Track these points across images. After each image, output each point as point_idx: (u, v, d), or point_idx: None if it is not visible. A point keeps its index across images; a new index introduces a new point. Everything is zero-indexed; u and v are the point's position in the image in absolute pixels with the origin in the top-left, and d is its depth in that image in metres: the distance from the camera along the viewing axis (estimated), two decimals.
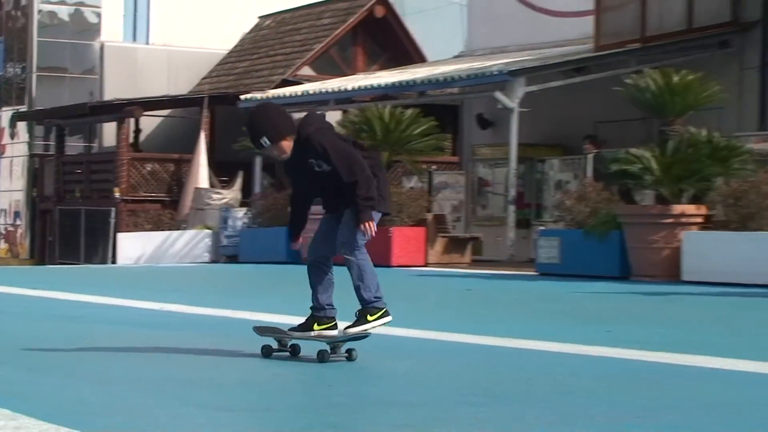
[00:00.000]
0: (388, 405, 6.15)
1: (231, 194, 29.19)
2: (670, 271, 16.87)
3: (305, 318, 8.06)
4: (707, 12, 25.24)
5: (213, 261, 27.17)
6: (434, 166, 28.16)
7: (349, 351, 7.90)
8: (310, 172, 7.97)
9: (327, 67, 34.00)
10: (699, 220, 17.34)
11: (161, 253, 28.01)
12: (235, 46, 37.78)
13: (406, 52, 34.19)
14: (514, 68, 23.65)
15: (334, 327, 7.97)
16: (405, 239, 22.83)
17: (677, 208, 17.47)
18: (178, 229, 29.47)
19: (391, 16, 34.31)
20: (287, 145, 7.91)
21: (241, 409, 5.97)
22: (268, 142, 7.86)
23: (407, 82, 26.59)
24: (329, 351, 7.85)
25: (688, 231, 17.08)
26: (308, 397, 6.65)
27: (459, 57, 31.17)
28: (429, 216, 23.86)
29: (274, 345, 8.08)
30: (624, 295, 15.44)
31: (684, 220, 17.28)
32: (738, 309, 13.79)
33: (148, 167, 33.42)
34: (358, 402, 6.33)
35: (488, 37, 29.85)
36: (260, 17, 37.71)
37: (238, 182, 29.85)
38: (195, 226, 28.64)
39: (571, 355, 8.21)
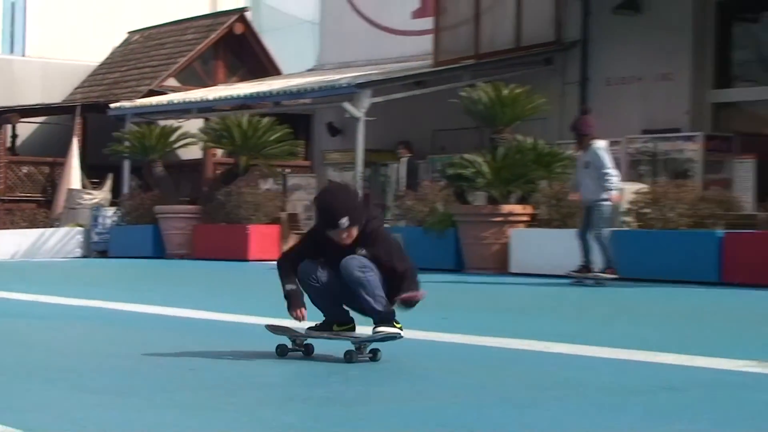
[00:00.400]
0: None
1: (101, 195, 28.92)
2: (500, 264, 17.16)
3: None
4: (533, 33, 25.68)
5: (84, 256, 26.92)
6: (288, 170, 28.18)
7: (373, 351, 7.18)
8: (345, 255, 7.24)
9: (190, 78, 33.88)
10: (525, 218, 17.67)
11: (36, 249, 27.57)
12: (106, 59, 37.37)
13: (263, 66, 34.20)
14: (360, 81, 23.76)
15: (353, 329, 7.41)
16: (261, 236, 22.94)
17: (506, 208, 17.75)
18: (51, 226, 29.19)
19: (249, 33, 34.30)
20: (355, 232, 7.21)
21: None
22: (347, 223, 7.11)
23: (264, 93, 26.66)
24: (356, 351, 7.12)
25: (516, 228, 17.35)
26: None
27: (311, 71, 31.37)
28: (283, 215, 24.07)
29: (289, 344, 7.37)
30: (458, 285, 15.62)
31: (512, 218, 17.58)
32: (559, 297, 14.03)
33: (25, 170, 32.86)
34: None
35: (338, 52, 30.09)
36: (129, 32, 37.42)
37: (108, 184, 29.56)
38: (67, 224, 28.37)
39: (409, 339, 8.22)
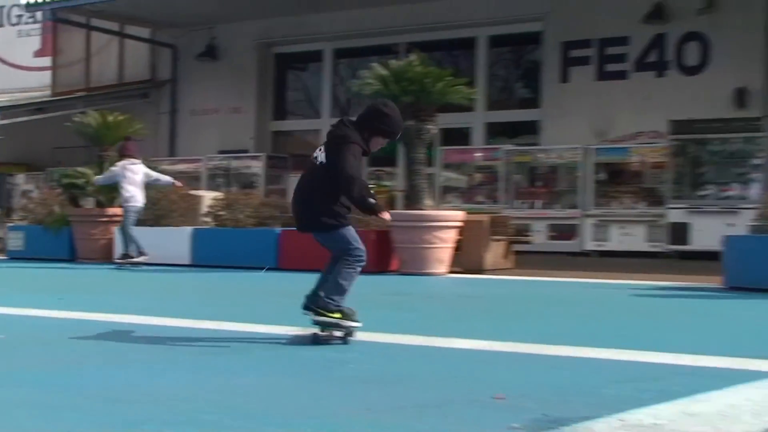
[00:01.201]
0: None
1: None
2: (105, 255, 17.15)
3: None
4: (133, 72, 26.07)
5: None
6: None
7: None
8: None
9: None
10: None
11: None
12: None
13: None
14: None
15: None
16: None
17: (110, 210, 17.76)
18: None
19: None
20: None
21: None
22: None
23: None
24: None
25: (118, 226, 17.42)
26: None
27: None
28: None
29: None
30: (71, 271, 15.55)
31: (115, 218, 17.40)
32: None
33: None
34: None
35: None
36: None
37: None
38: None
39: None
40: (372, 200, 6.27)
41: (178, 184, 16.94)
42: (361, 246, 6.46)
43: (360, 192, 6.21)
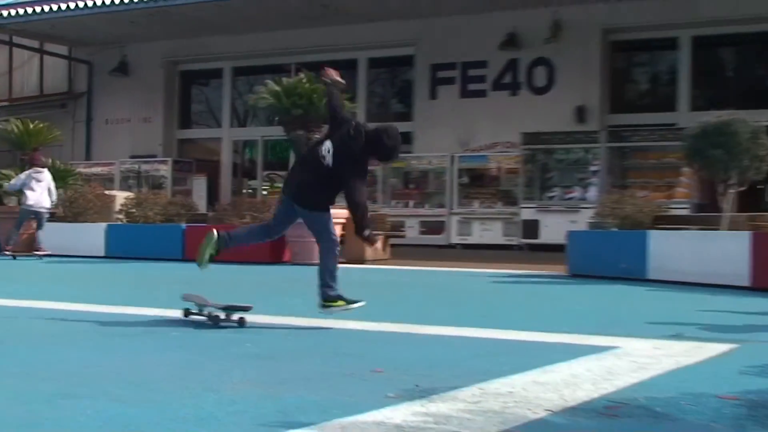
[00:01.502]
0: None
1: None
2: (28, 248, 16.65)
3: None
4: (53, 84, 25.41)
5: None
6: None
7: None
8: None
9: None
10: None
11: None
12: None
13: None
14: None
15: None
16: None
17: None
18: None
19: None
20: None
21: None
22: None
23: None
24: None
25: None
26: None
27: None
28: None
29: (194, 309, 6.43)
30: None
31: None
32: (88, 272, 13.98)
33: None
34: None
35: None
36: None
37: None
38: None
39: None
40: (368, 225, 6.34)
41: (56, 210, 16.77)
42: (335, 231, 6.55)
43: (363, 214, 6.26)
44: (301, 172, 6.61)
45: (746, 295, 9.06)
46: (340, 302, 6.38)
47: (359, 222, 6.27)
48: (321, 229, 6.52)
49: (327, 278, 6.37)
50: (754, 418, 3.49)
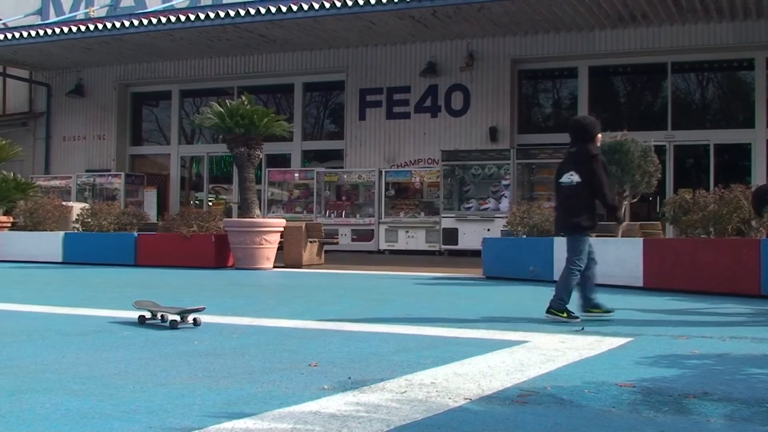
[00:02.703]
0: None
1: None
2: None
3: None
4: (15, 104, 24.82)
5: None
6: None
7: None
8: None
9: None
10: (8, 224, 16.95)
11: None
12: None
13: None
14: None
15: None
16: None
17: None
18: None
19: None
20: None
21: None
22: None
23: None
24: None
25: (2, 231, 16.65)
26: None
27: None
28: None
29: (148, 315, 6.28)
30: None
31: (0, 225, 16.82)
32: (47, 277, 13.62)
33: None
34: None
35: None
36: None
37: None
38: None
39: None
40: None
41: None
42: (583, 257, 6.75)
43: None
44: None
45: (639, 295, 9.21)
46: (563, 313, 6.60)
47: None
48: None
49: (562, 293, 6.66)
50: (648, 403, 3.54)
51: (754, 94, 18.35)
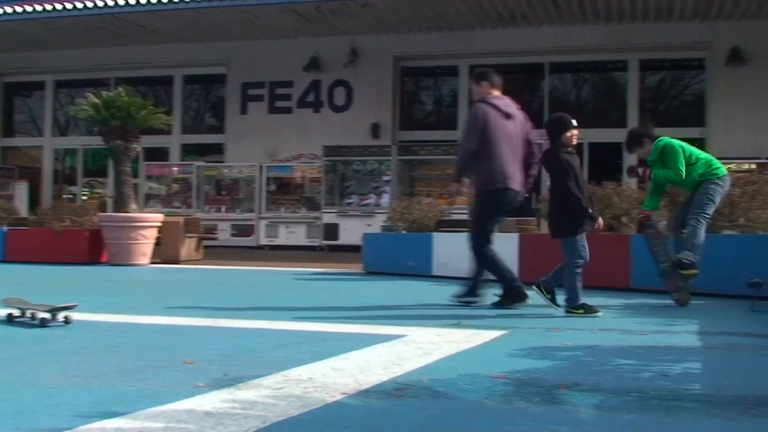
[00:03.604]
0: None
1: None
2: None
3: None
4: None
5: None
6: None
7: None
8: None
9: None
10: None
11: None
12: None
13: None
14: None
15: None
16: None
17: None
18: None
19: None
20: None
21: None
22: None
23: None
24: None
25: None
26: None
27: None
28: None
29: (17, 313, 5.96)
30: None
31: None
32: None
33: None
34: None
35: None
36: None
37: None
38: None
39: None
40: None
41: None
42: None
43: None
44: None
45: None
46: (580, 309, 6.62)
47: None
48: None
49: (570, 293, 6.71)
50: (520, 394, 3.62)
51: (627, 95, 19.08)
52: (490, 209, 7.11)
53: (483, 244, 7.18)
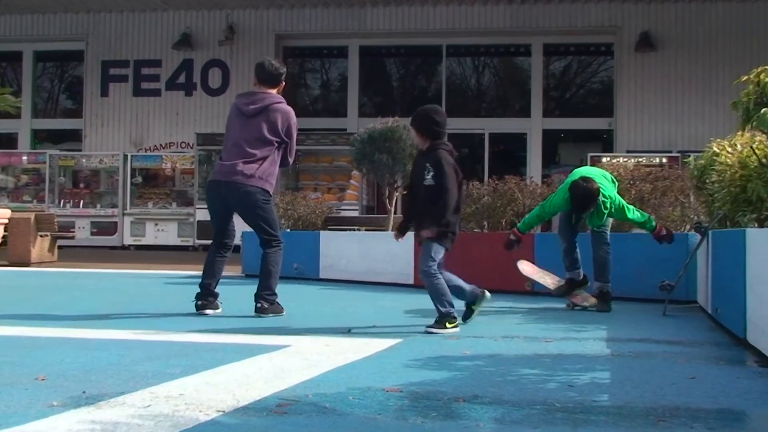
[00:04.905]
0: None
1: None
2: None
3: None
4: None
5: None
6: None
7: None
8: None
9: None
10: None
11: None
12: None
13: None
14: None
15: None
16: None
17: None
18: None
19: None
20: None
21: None
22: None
23: None
24: None
25: None
26: None
27: None
28: None
29: None
30: None
31: None
32: None
33: None
34: None
35: None
36: None
37: None
38: None
39: None
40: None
41: None
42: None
43: None
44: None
45: (410, 293, 9.51)
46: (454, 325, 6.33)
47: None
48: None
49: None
50: (416, 409, 3.65)
51: (531, 82, 19.51)
52: None
53: None
